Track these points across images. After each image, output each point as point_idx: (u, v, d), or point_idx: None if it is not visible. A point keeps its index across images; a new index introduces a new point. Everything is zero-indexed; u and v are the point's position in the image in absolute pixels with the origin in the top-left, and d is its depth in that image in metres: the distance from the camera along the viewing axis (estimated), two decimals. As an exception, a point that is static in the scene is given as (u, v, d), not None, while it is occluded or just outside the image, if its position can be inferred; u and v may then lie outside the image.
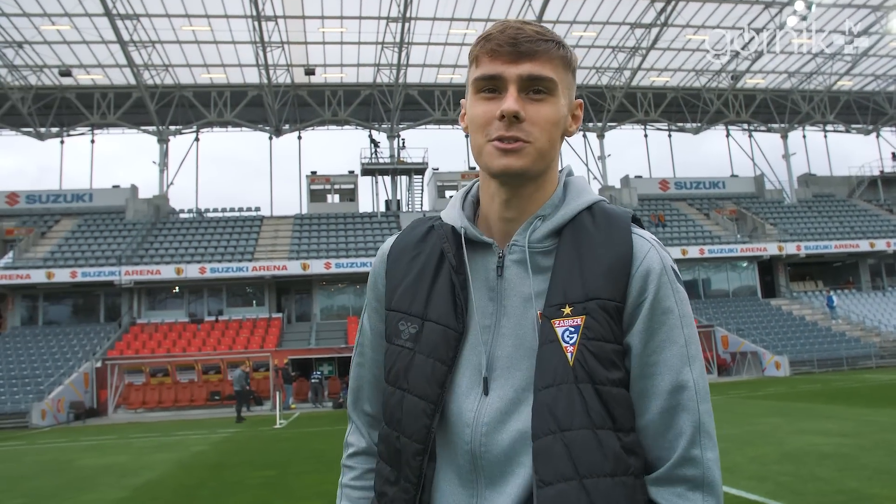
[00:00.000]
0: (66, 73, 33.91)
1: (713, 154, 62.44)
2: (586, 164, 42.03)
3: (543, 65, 1.16)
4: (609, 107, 39.01)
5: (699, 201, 41.07)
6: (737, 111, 41.48)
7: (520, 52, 1.15)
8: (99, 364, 27.00)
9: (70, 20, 30.09)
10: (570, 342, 1.13)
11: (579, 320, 1.14)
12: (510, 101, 1.15)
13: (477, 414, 1.18)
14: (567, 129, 1.25)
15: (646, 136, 43.46)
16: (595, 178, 41.62)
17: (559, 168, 1.30)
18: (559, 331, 1.14)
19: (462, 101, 1.28)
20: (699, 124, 42.42)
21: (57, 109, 36.16)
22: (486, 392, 1.18)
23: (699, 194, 41.71)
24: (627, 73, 37.04)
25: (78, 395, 26.00)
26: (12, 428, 23.30)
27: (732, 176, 43.32)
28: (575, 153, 42.34)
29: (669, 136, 43.60)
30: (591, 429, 1.10)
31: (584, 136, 41.74)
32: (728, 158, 43.92)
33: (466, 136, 1.22)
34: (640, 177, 42.17)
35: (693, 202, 40.95)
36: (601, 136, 41.18)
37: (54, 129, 37.25)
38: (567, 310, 1.15)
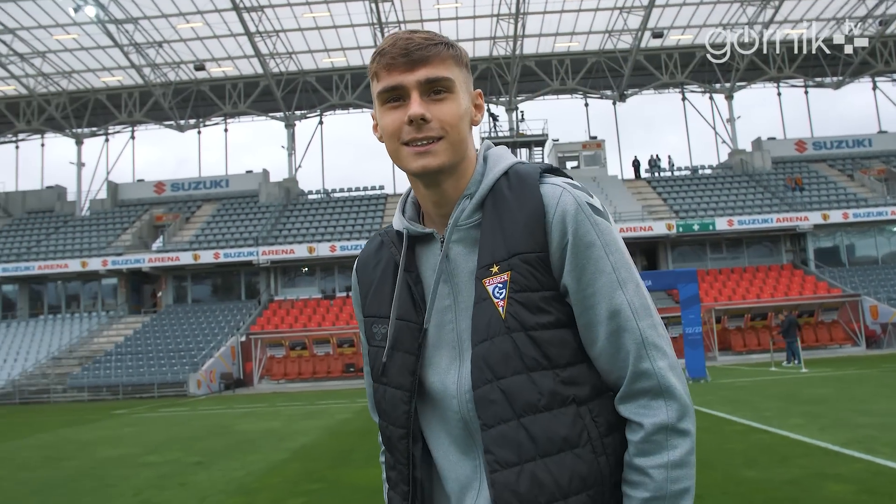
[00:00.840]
0: (200, 67, 36.08)
1: (856, 109, 57.79)
2: (714, 128, 40.31)
3: (437, 67, 1.24)
4: (738, 65, 37.00)
5: (841, 161, 38.33)
6: (885, 60, 38.16)
7: (413, 59, 1.23)
8: (243, 338, 28.90)
9: (202, 17, 31.94)
10: (500, 297, 1.22)
11: (505, 276, 1.22)
12: (415, 106, 1.23)
13: (458, 385, 1.28)
14: (473, 119, 1.33)
15: (779, 94, 41.00)
16: (724, 141, 39.83)
17: (475, 150, 1.37)
18: (490, 288, 1.23)
19: (372, 112, 1.35)
20: (840, 78, 39.43)
21: (193, 102, 38.58)
22: (460, 365, 1.29)
23: (841, 154, 38.90)
24: (758, 28, 34.94)
25: (226, 366, 27.99)
26: (173, 396, 25.51)
27: (880, 132, 40.01)
28: (701, 116, 40.60)
29: (806, 92, 40.86)
30: (525, 372, 1.20)
31: (711, 98, 39.90)
32: (875, 113, 40.54)
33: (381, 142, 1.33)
34: (774, 138, 39.86)
35: (834, 163, 38.27)
36: (729, 98, 39.19)
37: (192, 121, 39.81)
38: (494, 268, 1.23)
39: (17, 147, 41.97)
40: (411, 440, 1.34)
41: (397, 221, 1.39)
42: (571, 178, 1.31)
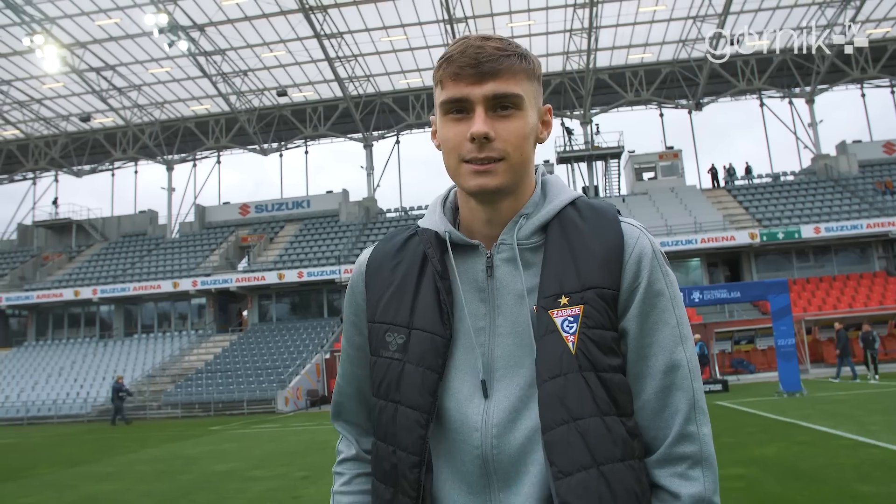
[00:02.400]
0: (282, 93, 37.47)
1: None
2: (795, 133, 39.12)
3: (507, 81, 1.16)
4: (818, 68, 35.92)
5: (935, 163, 36.60)
6: (978, 56, 36.35)
7: (482, 72, 1.15)
8: (327, 355, 29.68)
9: (285, 46, 33.27)
10: (571, 331, 1.13)
11: (577, 309, 1.14)
12: (479, 124, 1.14)
13: (485, 417, 1.16)
14: (539, 137, 1.25)
15: (863, 95, 39.49)
16: (806, 146, 38.60)
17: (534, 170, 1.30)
18: (558, 321, 1.14)
19: (432, 117, 1.29)
20: (930, 76, 37.74)
21: (276, 126, 40.05)
22: (485, 395, 1.17)
23: (934, 155, 37.14)
24: (838, 29, 33.84)
25: (312, 383, 28.80)
26: (262, 413, 26.40)
27: (975, 131, 38.09)
28: (781, 121, 39.50)
29: (893, 92, 39.21)
30: (600, 416, 1.11)
31: (791, 102, 38.79)
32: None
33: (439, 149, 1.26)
34: (860, 141, 38.36)
35: (927, 164, 36.58)
36: (810, 102, 38.01)
37: (274, 145, 41.31)
38: (564, 300, 1.15)
39: (112, 175, 44.46)
40: (424, 470, 1.19)
41: (437, 222, 1.28)
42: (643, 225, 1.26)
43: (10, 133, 41.74)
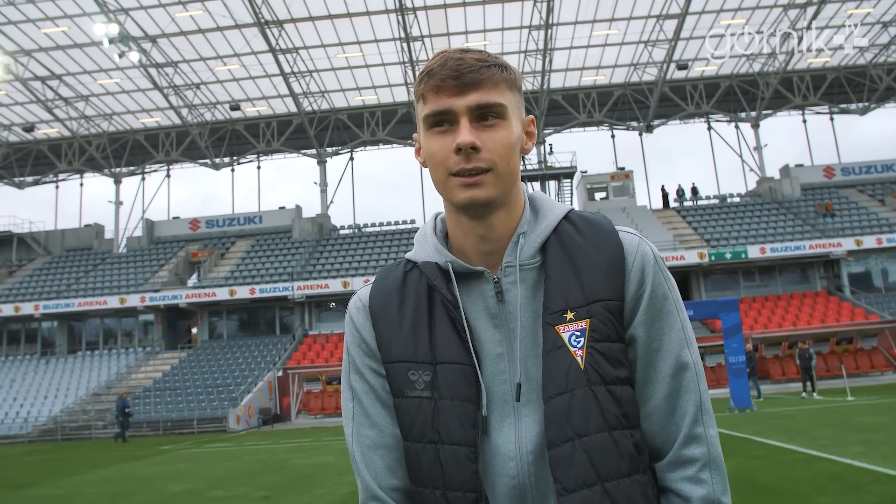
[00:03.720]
0: (235, 107, 37.02)
1: (883, 135, 57.66)
2: (741, 156, 40.45)
3: (490, 91, 1.15)
4: (763, 94, 37.30)
5: (871, 187, 38.16)
6: (911, 86, 38.24)
7: (465, 83, 1.14)
8: (280, 373, 29.21)
9: (239, 59, 32.94)
10: (578, 346, 1.13)
11: (584, 324, 1.13)
12: (465, 134, 1.14)
13: (518, 444, 1.14)
14: (524, 148, 1.24)
15: (804, 121, 41.01)
16: (752, 169, 39.91)
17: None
18: (565, 336, 1.13)
19: (414, 135, 1.27)
20: (866, 104, 39.50)
21: (228, 141, 39.50)
22: (515, 422, 1.16)
23: (870, 179, 38.72)
24: (782, 58, 35.28)
25: (264, 401, 28.27)
26: (213, 431, 25.79)
27: (909, 157, 39.91)
28: (728, 145, 40.81)
29: (831, 119, 40.87)
30: (608, 431, 1.11)
31: (737, 126, 40.12)
32: (901, 138, 40.53)
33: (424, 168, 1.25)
34: (802, 165, 39.82)
35: (864, 188, 38.13)
36: (755, 126, 39.38)
37: (226, 159, 40.71)
38: (570, 315, 1.14)
39: (57, 187, 43.08)
40: None
41: (434, 253, 1.25)
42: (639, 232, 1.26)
43: (-53, 142, 40.21)
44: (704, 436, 1.14)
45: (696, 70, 37.31)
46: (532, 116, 1.28)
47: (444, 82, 1.15)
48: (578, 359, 1.12)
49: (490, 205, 1.18)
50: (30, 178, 42.33)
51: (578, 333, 1.13)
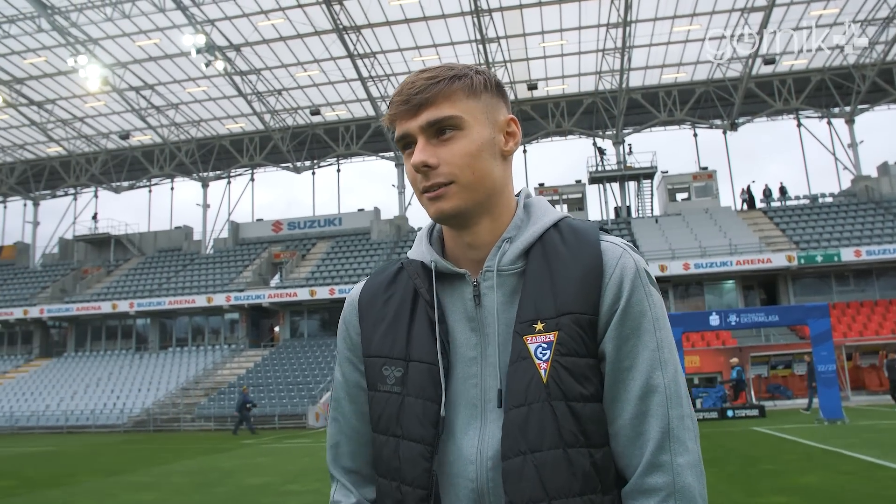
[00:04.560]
0: (315, 112, 37.94)
1: None
2: (833, 154, 38.47)
3: (440, 106, 1.16)
4: (859, 88, 35.39)
5: (979, 185, 35.71)
6: None
7: (414, 105, 1.17)
8: (358, 372, 29.69)
9: (318, 65, 33.74)
10: (544, 359, 1.11)
11: (552, 336, 1.11)
12: (417, 154, 1.16)
13: (480, 449, 1.14)
14: (502, 150, 1.22)
15: (905, 116, 38.79)
16: (846, 168, 37.93)
17: (514, 191, 1.29)
18: (531, 347, 1.12)
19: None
20: (975, 96, 36.92)
21: (309, 145, 40.54)
22: (480, 426, 1.16)
23: (979, 177, 36.24)
24: (880, 48, 33.43)
25: (343, 400, 28.77)
26: (293, 427, 26.51)
27: None
28: (819, 142, 38.92)
29: (935, 113, 38.48)
30: (562, 448, 1.08)
31: (830, 122, 38.25)
32: None
33: None
34: (902, 162, 37.61)
35: (973, 186, 35.70)
36: (850, 122, 37.35)
37: (307, 163, 41.80)
38: (539, 326, 1.12)
39: (150, 191, 45.31)
40: None
41: (423, 252, 1.27)
42: (628, 242, 1.22)
43: (53, 150, 42.84)
44: (670, 464, 1.08)
45: (785, 64, 35.76)
46: (511, 116, 1.26)
47: (398, 108, 1.19)
48: (542, 372, 1.11)
49: (460, 215, 1.19)
50: (125, 183, 44.66)
51: (545, 346, 1.12)
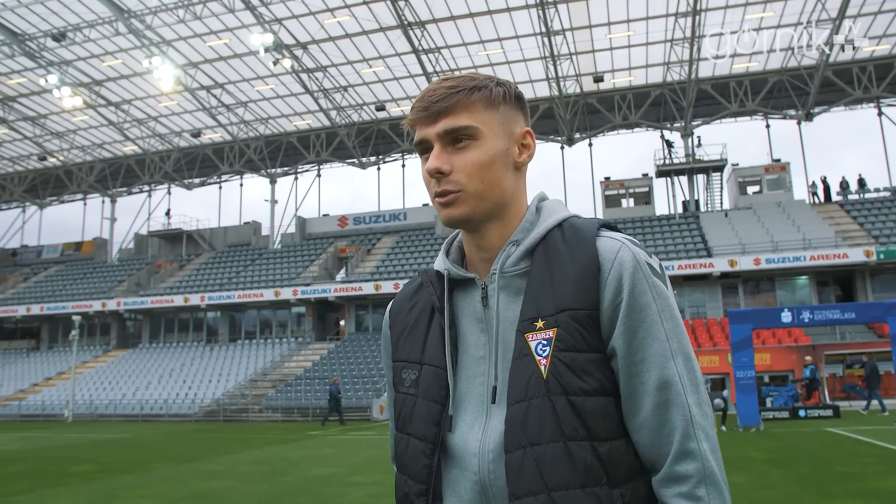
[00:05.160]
0: (380, 108, 38.33)
1: None
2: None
3: (458, 115, 1.21)
4: (945, 74, 33.54)
5: None
6: None
7: (434, 112, 1.21)
8: (421, 366, 29.89)
9: (383, 61, 34.02)
10: (543, 355, 1.15)
11: (551, 333, 1.15)
12: (431, 160, 1.21)
13: (482, 443, 1.19)
14: (515, 161, 1.27)
15: None
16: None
17: (527, 198, 1.33)
18: (532, 344, 1.16)
19: None
20: None
21: (374, 141, 40.98)
22: (486, 422, 1.20)
23: None
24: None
25: (406, 393, 29.03)
26: (358, 419, 26.90)
27: None
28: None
29: None
30: (563, 441, 1.12)
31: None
32: None
33: None
34: None
35: None
36: (935, 110, 35.51)
37: (373, 158, 42.29)
38: (539, 323, 1.16)
39: (220, 187, 46.64)
40: (430, 498, 1.23)
41: (439, 262, 1.35)
42: (630, 237, 1.24)
43: (129, 149, 44.56)
44: (698, 451, 1.12)
45: (865, 50, 34.16)
46: (528, 129, 1.31)
47: (418, 115, 1.24)
48: (542, 368, 1.15)
49: (468, 221, 1.25)
50: (196, 180, 46.14)
51: (545, 342, 1.16)
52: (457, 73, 1.30)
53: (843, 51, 33.12)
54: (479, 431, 1.20)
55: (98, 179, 46.45)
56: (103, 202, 48.23)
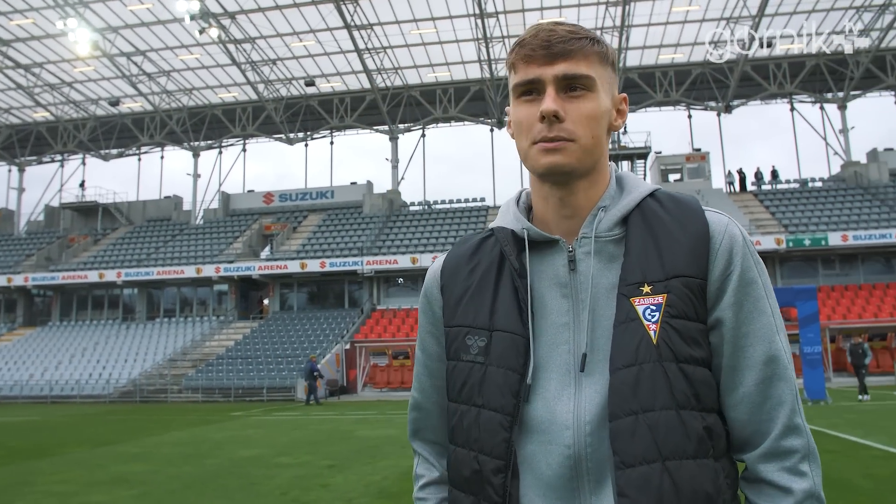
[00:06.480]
0: (310, 83, 37.59)
1: (981, 118, 54.18)
2: (825, 139, 38.64)
3: (579, 62, 1.15)
4: (853, 74, 35.44)
5: (967, 174, 35.99)
6: None
7: (554, 53, 1.15)
8: (348, 346, 29.79)
9: (314, 35, 33.34)
10: (653, 320, 1.10)
11: (660, 298, 1.11)
12: (549, 102, 1.14)
13: (577, 414, 1.12)
14: (612, 124, 1.23)
15: (897, 103, 38.91)
16: (836, 153, 38.09)
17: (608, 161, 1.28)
18: (640, 309, 1.11)
19: (507, 108, 1.27)
20: (966, 85, 37.08)
21: (302, 116, 40.19)
22: (575, 391, 1.14)
23: (967, 166, 36.51)
24: (875, 35, 33.39)
25: (332, 373, 28.90)
26: (282, 400, 26.58)
27: None
28: (811, 127, 39.05)
29: (927, 101, 38.59)
30: (675, 409, 1.07)
31: (822, 108, 38.33)
32: None
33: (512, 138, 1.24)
34: (891, 149, 37.79)
35: (960, 175, 35.97)
36: (842, 108, 37.50)
37: (300, 134, 41.48)
38: (647, 288, 1.12)
39: (139, 159, 44.91)
40: (510, 475, 1.15)
41: (513, 220, 1.26)
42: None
43: (40, 115, 42.23)
44: (803, 427, 1.11)
45: (781, 48, 35.67)
46: (625, 95, 1.27)
47: (534, 52, 1.16)
48: (651, 333, 1.09)
49: (570, 173, 1.17)
50: (114, 151, 44.20)
51: (654, 307, 1.11)
52: (561, 20, 1.22)
53: (762, 47, 34.55)
54: (569, 402, 1.13)
55: (4, 146, 43.91)
56: (10, 171, 45.72)
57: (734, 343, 1.12)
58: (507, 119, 1.28)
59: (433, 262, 1.37)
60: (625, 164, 38.20)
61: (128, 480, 9.18)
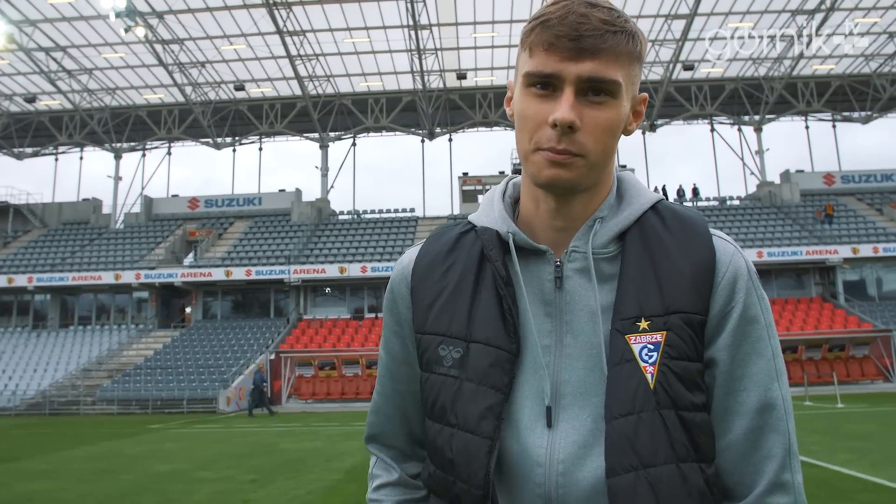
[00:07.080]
0: (240, 87, 36.88)
1: (884, 145, 57.74)
2: (742, 159, 40.47)
3: (608, 64, 0.98)
4: (767, 99, 37.28)
5: (870, 196, 38.24)
6: (915, 96, 38.25)
7: (582, 47, 0.97)
8: (272, 356, 29.19)
9: (245, 39, 32.71)
10: (650, 361, 0.99)
11: (659, 336, 0.99)
12: (565, 109, 0.98)
13: (550, 450, 1.01)
14: (627, 129, 1.07)
15: (807, 127, 41.12)
16: (752, 173, 39.93)
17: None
18: (636, 348, 0.99)
19: (510, 82, 1.11)
20: (869, 113, 39.50)
21: (231, 121, 39.37)
22: (549, 424, 1.02)
23: (870, 188, 38.81)
24: (787, 63, 35.22)
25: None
26: (203, 412, 25.80)
27: (909, 167, 39.99)
28: (730, 148, 40.84)
29: (834, 126, 40.91)
30: (676, 462, 0.97)
31: (740, 129, 40.15)
32: (903, 149, 40.62)
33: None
34: (802, 171, 39.87)
35: (863, 197, 38.21)
36: (758, 130, 39.40)
37: (228, 139, 40.59)
38: (643, 324, 1.00)
39: (56, 159, 42.97)
40: None
41: (498, 220, 1.12)
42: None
43: (-53, 109, 40.00)
44: (792, 483, 1.00)
45: (702, 71, 37.23)
46: (645, 95, 1.10)
47: (559, 41, 0.98)
48: (648, 376, 0.98)
49: (572, 189, 1.04)
50: (29, 150, 42.16)
51: (651, 347, 0.99)
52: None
53: (685, 70, 35.96)
54: (542, 436, 1.02)
55: None
56: (-88, 167, 43.00)
57: (727, 386, 1.02)
58: (507, 94, 1.12)
59: (403, 256, 1.20)
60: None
61: (32, 500, 8.73)
